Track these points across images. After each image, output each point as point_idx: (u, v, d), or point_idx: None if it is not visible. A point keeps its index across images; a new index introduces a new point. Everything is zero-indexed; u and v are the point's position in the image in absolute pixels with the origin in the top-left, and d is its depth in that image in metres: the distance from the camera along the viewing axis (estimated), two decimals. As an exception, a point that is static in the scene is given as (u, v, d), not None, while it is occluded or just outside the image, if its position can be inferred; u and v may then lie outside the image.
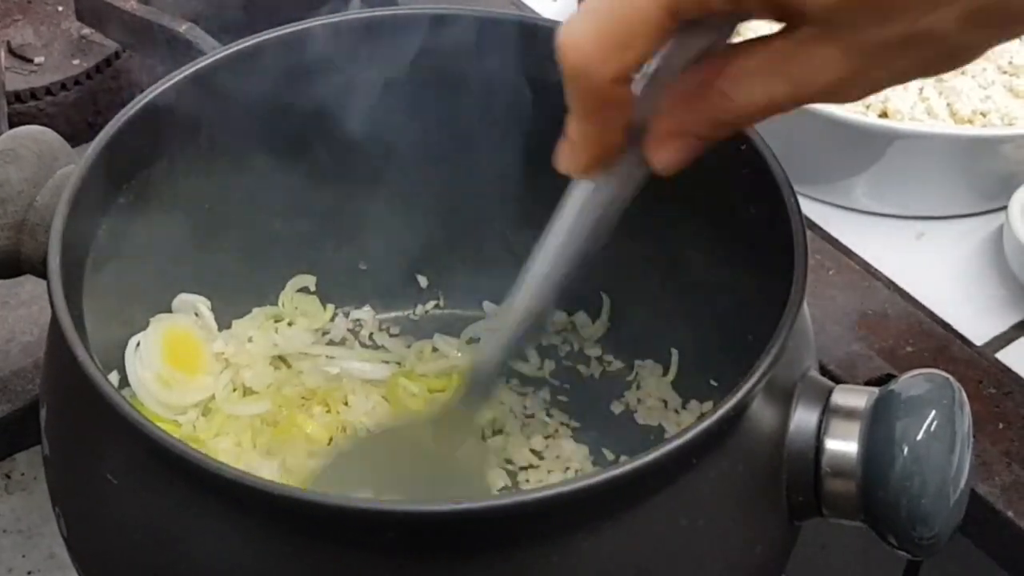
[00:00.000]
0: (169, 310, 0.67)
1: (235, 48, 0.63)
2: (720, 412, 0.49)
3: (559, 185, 0.67)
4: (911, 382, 0.53)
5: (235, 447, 0.64)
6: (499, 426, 0.67)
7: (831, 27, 0.41)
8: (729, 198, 0.60)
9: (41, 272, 0.58)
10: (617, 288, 0.71)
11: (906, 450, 0.51)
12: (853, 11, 0.40)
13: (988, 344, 0.74)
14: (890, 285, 0.77)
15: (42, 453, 0.57)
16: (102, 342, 0.54)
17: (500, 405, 0.68)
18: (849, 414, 0.53)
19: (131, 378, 0.63)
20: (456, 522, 0.47)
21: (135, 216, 0.62)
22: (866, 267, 0.78)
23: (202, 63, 0.62)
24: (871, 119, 0.79)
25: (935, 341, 0.73)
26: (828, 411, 0.53)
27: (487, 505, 0.47)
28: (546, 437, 0.67)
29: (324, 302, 0.72)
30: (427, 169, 0.69)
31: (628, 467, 0.47)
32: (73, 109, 0.92)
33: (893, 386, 0.53)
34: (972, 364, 0.72)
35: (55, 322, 0.53)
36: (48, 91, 0.91)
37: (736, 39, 0.45)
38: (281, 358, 0.69)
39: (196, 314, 0.67)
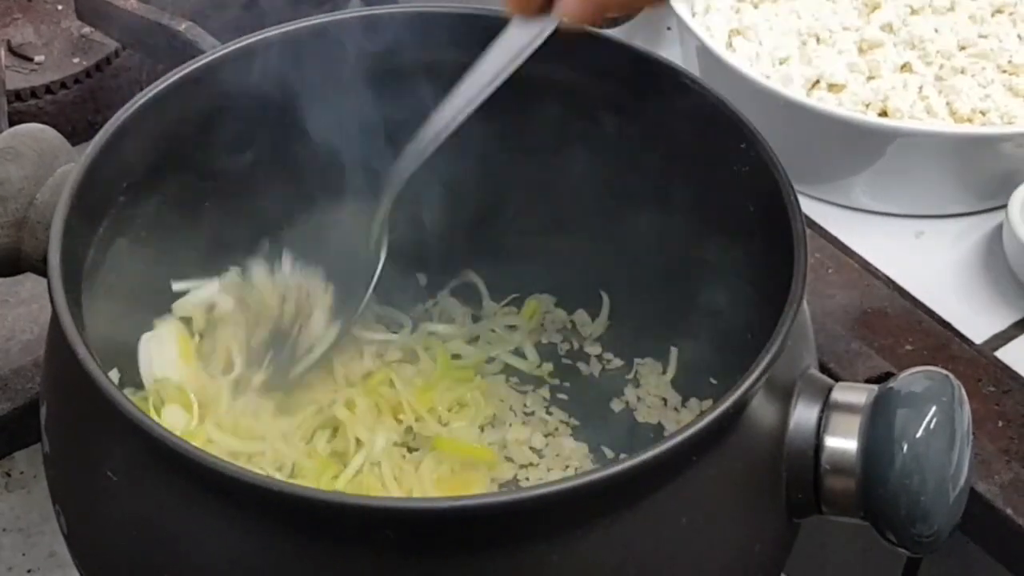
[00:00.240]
0: (169, 309, 0.67)
1: (235, 46, 0.63)
2: (720, 409, 0.49)
3: (558, 184, 0.68)
4: (911, 379, 0.53)
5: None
6: (499, 423, 0.67)
7: None
8: (729, 196, 0.60)
9: (41, 270, 0.58)
10: (617, 287, 0.71)
11: (906, 447, 0.51)
12: None
13: (987, 342, 0.74)
14: (889, 283, 0.77)
15: (42, 451, 0.57)
16: (102, 340, 0.54)
17: (500, 402, 0.68)
18: (849, 411, 0.53)
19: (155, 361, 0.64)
20: (455, 519, 0.46)
21: (135, 214, 0.62)
22: (865, 265, 0.78)
23: (202, 61, 0.62)
24: (871, 118, 0.79)
25: (934, 339, 0.73)
26: (828, 408, 0.53)
27: (487, 502, 0.47)
28: (546, 435, 0.67)
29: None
30: (426, 167, 0.69)
31: (628, 464, 0.47)
32: (73, 108, 0.92)
33: (893, 383, 0.53)
34: (971, 362, 0.72)
35: (55, 320, 0.53)
36: (48, 90, 0.92)
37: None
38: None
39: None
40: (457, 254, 0.72)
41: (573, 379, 0.71)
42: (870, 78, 0.83)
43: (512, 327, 0.72)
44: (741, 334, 0.60)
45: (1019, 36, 0.86)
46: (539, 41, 0.58)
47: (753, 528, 0.53)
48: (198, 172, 0.65)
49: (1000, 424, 0.69)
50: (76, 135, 0.67)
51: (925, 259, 0.79)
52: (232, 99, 0.64)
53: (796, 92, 0.80)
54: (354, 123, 0.66)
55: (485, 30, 0.63)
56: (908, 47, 0.85)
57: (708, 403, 0.67)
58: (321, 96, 0.65)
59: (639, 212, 0.66)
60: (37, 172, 0.60)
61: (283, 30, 0.64)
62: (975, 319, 0.75)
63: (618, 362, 0.71)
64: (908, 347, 0.73)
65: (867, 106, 0.81)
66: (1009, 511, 0.65)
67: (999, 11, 0.88)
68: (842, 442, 0.53)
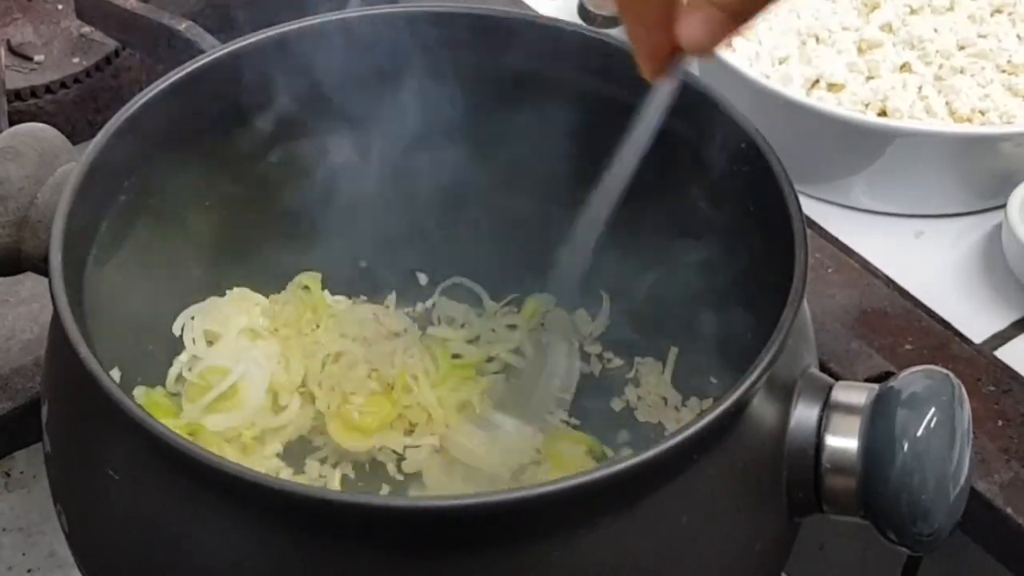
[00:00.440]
0: (170, 307, 0.67)
1: (235, 46, 0.63)
2: (721, 408, 0.49)
3: (558, 182, 0.68)
4: (911, 378, 0.53)
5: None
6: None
7: None
8: (729, 195, 0.60)
9: (42, 270, 0.58)
10: (617, 286, 0.71)
11: (906, 446, 0.51)
12: None
13: (987, 342, 0.74)
14: (889, 283, 0.77)
15: (43, 450, 0.57)
16: (103, 339, 0.54)
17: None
18: (849, 410, 0.53)
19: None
20: (457, 518, 0.47)
21: (136, 214, 0.62)
22: (865, 265, 0.78)
23: (202, 61, 0.63)
24: (870, 118, 0.79)
25: (934, 339, 0.74)
26: (828, 407, 0.53)
27: (488, 501, 0.47)
28: (546, 434, 0.67)
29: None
30: (427, 167, 0.69)
31: (629, 463, 0.47)
32: (73, 107, 0.92)
33: (893, 383, 0.53)
34: (971, 362, 0.72)
35: (56, 319, 0.53)
36: (48, 89, 0.92)
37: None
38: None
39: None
40: (457, 253, 0.72)
41: (573, 378, 0.71)
42: (869, 78, 0.83)
43: (512, 326, 0.72)
44: (741, 333, 0.60)
45: (1018, 36, 0.86)
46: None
47: (754, 527, 0.53)
48: (199, 171, 0.65)
49: (1000, 423, 0.69)
50: (76, 135, 0.67)
51: (925, 259, 0.79)
52: (232, 99, 0.64)
53: (795, 92, 0.80)
54: (357, 121, 0.66)
55: (488, 30, 0.64)
56: (907, 47, 0.85)
57: (708, 402, 0.67)
58: (322, 95, 0.65)
59: (639, 211, 0.66)
60: (38, 171, 0.60)
61: (284, 30, 0.64)
62: (975, 318, 0.75)
63: (618, 361, 0.71)
64: (908, 346, 0.73)
65: (866, 106, 0.81)
66: (1009, 510, 0.65)
67: (998, 11, 0.88)
68: (843, 441, 0.53)
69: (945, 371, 0.54)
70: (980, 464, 0.67)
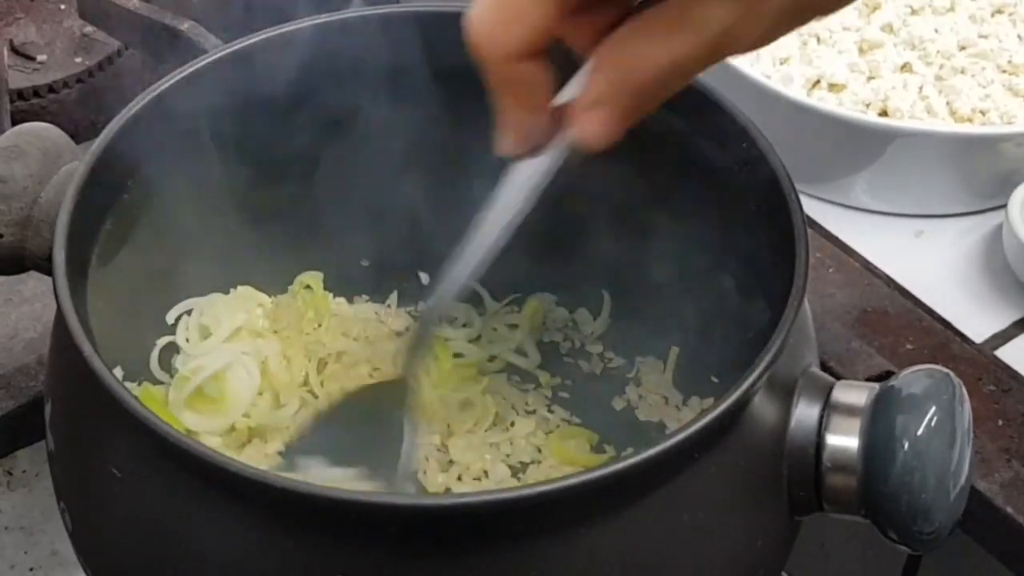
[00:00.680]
0: (171, 306, 0.67)
1: (237, 46, 0.64)
2: (722, 407, 0.49)
3: (558, 183, 0.68)
4: (911, 378, 0.53)
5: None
6: (501, 421, 0.68)
7: None
8: (730, 194, 0.60)
9: (46, 268, 0.58)
10: (618, 285, 0.71)
11: (907, 445, 0.51)
12: None
13: (987, 341, 0.74)
14: (890, 283, 0.77)
15: (47, 448, 0.57)
16: (106, 337, 0.54)
17: (502, 401, 0.68)
18: (850, 410, 0.53)
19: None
20: (458, 516, 0.47)
21: (139, 213, 0.62)
22: (866, 265, 0.78)
23: (204, 61, 0.63)
24: (871, 117, 0.79)
25: (935, 338, 0.74)
26: (829, 407, 0.53)
27: (489, 499, 0.47)
28: (547, 433, 0.68)
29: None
30: (429, 166, 0.69)
31: (630, 461, 0.47)
32: (75, 107, 0.93)
33: (893, 382, 0.53)
34: (972, 361, 0.72)
35: (60, 318, 0.53)
36: (51, 89, 0.92)
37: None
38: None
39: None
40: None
41: (575, 377, 0.71)
42: (870, 78, 0.83)
43: (513, 326, 0.72)
44: (742, 332, 0.60)
45: (1019, 36, 0.86)
46: (549, 176, 0.49)
47: (755, 525, 0.53)
48: (202, 170, 0.65)
49: (1000, 423, 0.69)
50: (78, 134, 0.67)
51: (925, 258, 0.79)
52: (234, 99, 0.64)
53: (797, 92, 0.81)
54: (358, 121, 0.66)
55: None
56: (908, 47, 0.85)
57: (709, 401, 0.67)
58: (324, 95, 0.65)
59: (639, 211, 0.67)
60: (41, 170, 0.60)
61: (286, 29, 0.64)
62: (975, 318, 0.75)
63: (619, 360, 0.71)
64: (908, 346, 0.73)
65: (867, 106, 0.81)
66: (1009, 510, 0.66)
67: (999, 11, 0.88)
68: (843, 440, 0.53)
69: (945, 370, 0.54)
70: (980, 464, 0.67)
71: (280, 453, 0.65)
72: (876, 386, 0.54)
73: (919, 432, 0.51)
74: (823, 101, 0.81)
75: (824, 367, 0.66)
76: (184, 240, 0.66)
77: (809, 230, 0.56)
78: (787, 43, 0.85)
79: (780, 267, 0.55)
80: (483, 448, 0.66)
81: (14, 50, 0.93)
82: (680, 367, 0.69)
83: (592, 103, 0.44)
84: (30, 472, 0.78)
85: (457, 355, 0.70)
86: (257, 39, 0.64)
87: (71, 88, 0.92)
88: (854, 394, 0.54)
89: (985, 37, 0.85)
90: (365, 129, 0.67)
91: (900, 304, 0.76)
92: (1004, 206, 0.77)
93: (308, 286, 0.71)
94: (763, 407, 0.52)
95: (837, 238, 0.80)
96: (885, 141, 0.78)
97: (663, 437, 0.48)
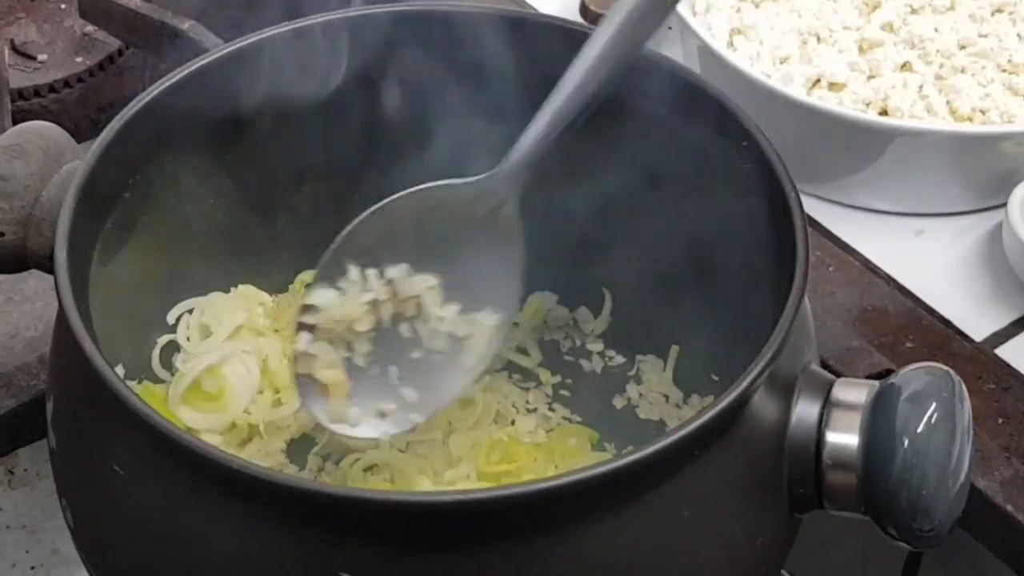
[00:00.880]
0: (173, 306, 0.67)
1: (238, 45, 0.64)
2: (722, 404, 0.49)
3: (559, 182, 0.68)
4: (911, 375, 0.53)
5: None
6: (501, 419, 0.68)
7: None
8: (731, 193, 0.61)
9: (47, 267, 0.59)
10: (618, 284, 0.71)
11: (907, 442, 0.51)
12: None
13: (987, 340, 0.74)
14: (890, 281, 0.77)
15: (48, 446, 0.57)
16: (108, 336, 0.54)
17: (503, 399, 0.69)
18: (850, 407, 0.53)
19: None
20: (459, 513, 0.47)
21: (140, 211, 0.62)
22: (866, 263, 0.78)
23: (205, 60, 0.63)
24: (871, 116, 0.79)
25: (935, 337, 0.74)
26: (829, 404, 0.53)
27: (490, 496, 0.47)
28: (548, 431, 0.68)
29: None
30: (429, 165, 0.69)
31: (631, 459, 0.47)
32: (76, 106, 0.93)
33: (893, 379, 0.54)
34: (971, 360, 0.72)
35: (62, 316, 0.53)
36: (51, 88, 0.92)
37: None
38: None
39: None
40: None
41: (575, 376, 0.71)
42: (870, 77, 0.83)
43: (514, 324, 0.72)
44: (743, 331, 0.60)
45: (1019, 35, 0.86)
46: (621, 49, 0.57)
47: (755, 523, 0.53)
48: (203, 169, 0.65)
49: (1000, 421, 0.69)
50: (79, 134, 0.67)
51: (925, 257, 0.79)
52: (235, 98, 0.64)
53: (797, 91, 0.81)
54: (359, 120, 0.66)
55: (491, 30, 0.64)
56: (908, 46, 0.85)
57: (710, 400, 0.67)
58: (326, 94, 0.65)
59: (640, 209, 0.67)
60: (43, 169, 0.60)
61: (287, 28, 0.64)
62: (975, 317, 0.75)
63: (620, 359, 0.71)
64: (908, 344, 0.73)
65: (867, 105, 0.81)
66: (1009, 507, 0.66)
67: (999, 10, 0.88)
68: (843, 437, 0.53)
69: (945, 368, 0.54)
70: (980, 461, 0.67)
71: (282, 451, 0.66)
72: (876, 383, 0.54)
73: (919, 429, 0.51)
74: (823, 100, 0.81)
75: (824, 366, 0.66)
76: (185, 239, 0.66)
77: (809, 229, 0.56)
78: (787, 42, 0.85)
79: (780, 266, 0.55)
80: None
81: (15, 50, 0.93)
82: (681, 365, 0.69)
83: None
84: (31, 471, 0.78)
85: (458, 353, 0.70)
86: (258, 38, 0.64)
87: (72, 88, 0.92)
88: (854, 391, 0.54)
89: (985, 36, 0.85)
90: (366, 128, 0.67)
91: (900, 303, 0.76)
92: (1004, 205, 0.77)
93: (309, 285, 0.71)
94: (763, 404, 0.52)
95: (837, 237, 0.80)
96: (885, 140, 0.78)
97: (664, 434, 0.48)
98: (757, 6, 0.88)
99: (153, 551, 0.50)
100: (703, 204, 0.63)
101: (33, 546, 0.77)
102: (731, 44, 0.85)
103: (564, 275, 0.71)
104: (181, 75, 0.62)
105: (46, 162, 0.60)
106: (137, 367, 0.66)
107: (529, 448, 0.66)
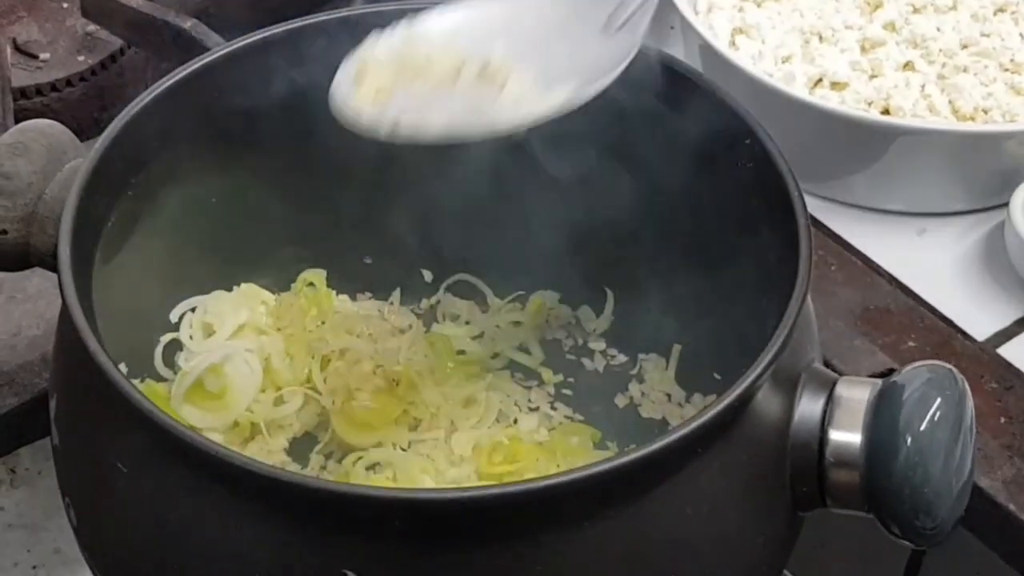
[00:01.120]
0: (176, 303, 0.68)
1: (240, 44, 0.64)
2: (725, 402, 0.49)
3: (562, 181, 0.68)
4: (914, 373, 0.53)
5: None
6: (504, 418, 0.68)
7: None
8: (733, 191, 0.61)
9: (50, 265, 0.59)
10: (621, 283, 0.71)
11: (909, 440, 0.51)
12: None
13: (990, 339, 0.74)
14: (892, 281, 0.77)
15: (51, 443, 0.57)
16: (110, 334, 0.54)
17: (505, 398, 0.69)
18: (853, 405, 0.53)
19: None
20: (463, 510, 0.47)
21: (143, 210, 0.62)
22: (868, 263, 0.78)
23: (207, 59, 0.63)
24: (874, 116, 0.79)
25: (937, 336, 0.74)
26: (832, 402, 0.53)
27: (493, 493, 0.47)
28: (550, 430, 0.68)
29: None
30: (430, 165, 0.69)
31: (634, 456, 0.47)
32: (79, 105, 0.93)
33: (896, 378, 0.54)
34: (974, 359, 0.72)
35: (65, 313, 0.53)
36: (54, 87, 0.92)
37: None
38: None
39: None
40: (462, 251, 0.72)
41: (577, 375, 0.71)
42: (873, 76, 0.83)
43: (517, 323, 0.72)
44: (745, 330, 0.60)
45: (1021, 35, 0.86)
46: None
47: (757, 520, 0.53)
48: (206, 167, 0.65)
49: (1002, 420, 0.69)
50: (82, 133, 0.67)
51: (928, 256, 0.79)
52: (237, 97, 0.64)
53: (799, 90, 0.81)
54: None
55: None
56: (910, 46, 0.85)
57: (712, 399, 0.67)
58: (326, 93, 0.65)
59: (643, 208, 0.67)
60: (46, 167, 0.60)
61: (290, 27, 0.64)
62: (977, 316, 0.75)
63: (622, 358, 0.71)
64: (911, 344, 0.73)
65: (870, 104, 0.81)
66: (1012, 507, 0.66)
67: (1001, 10, 0.88)
68: (846, 435, 0.53)
69: (948, 366, 0.54)
70: (983, 461, 0.67)
71: (285, 450, 0.66)
72: (879, 382, 0.54)
73: (922, 427, 0.51)
74: (825, 99, 0.81)
75: (827, 365, 0.66)
76: (187, 237, 0.66)
77: (811, 228, 0.56)
78: (789, 41, 0.85)
79: (784, 265, 0.55)
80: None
81: (17, 48, 0.93)
82: (683, 364, 0.69)
83: None
84: (33, 470, 0.78)
85: (460, 352, 0.70)
86: (260, 37, 0.64)
87: (74, 86, 0.92)
88: (857, 390, 0.54)
89: (987, 36, 0.85)
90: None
91: (902, 302, 0.76)
92: (1006, 204, 0.77)
93: (311, 283, 0.71)
94: (766, 403, 0.52)
95: (839, 236, 0.80)
96: (887, 140, 0.78)
97: (666, 432, 0.48)
98: (759, 5, 0.88)
99: (156, 548, 0.50)
100: (706, 203, 0.63)
101: (35, 545, 0.77)
102: (733, 43, 0.85)
103: (566, 274, 0.71)
104: (183, 74, 0.62)
105: (49, 160, 0.60)
106: (140, 365, 0.66)
107: (531, 448, 0.66)
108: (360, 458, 0.65)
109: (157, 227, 0.63)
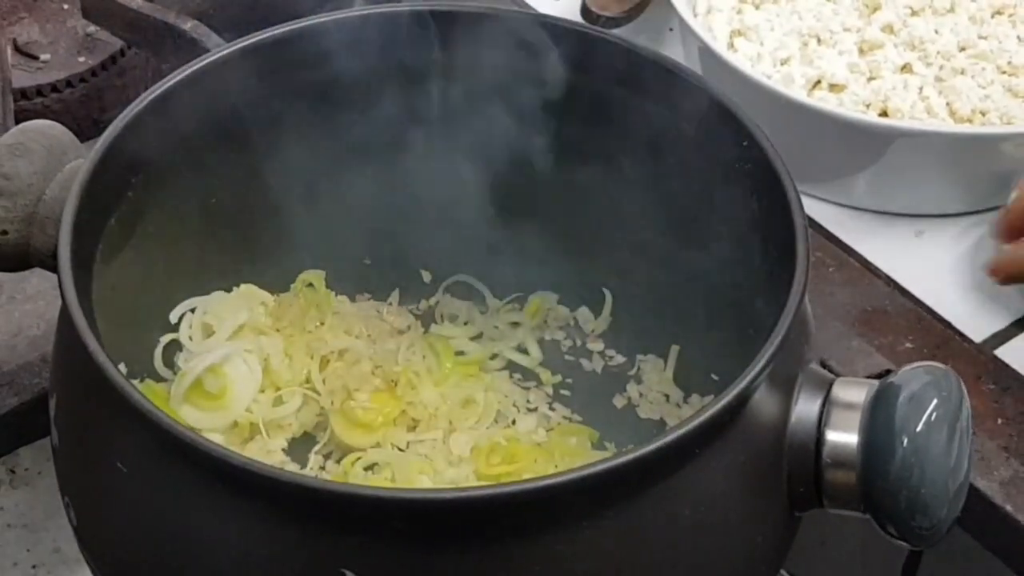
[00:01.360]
0: (176, 303, 0.68)
1: (240, 44, 0.64)
2: (722, 403, 0.49)
3: (560, 182, 0.68)
4: (911, 374, 0.54)
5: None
6: (502, 418, 0.68)
7: None
8: (731, 193, 0.61)
9: (50, 265, 0.59)
10: (619, 283, 0.71)
11: (906, 441, 0.51)
12: None
13: (987, 341, 0.74)
14: (890, 282, 0.77)
15: (51, 443, 0.57)
16: (110, 334, 0.54)
17: (504, 398, 0.69)
18: (850, 405, 0.53)
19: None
20: (462, 510, 0.47)
21: (143, 210, 0.62)
22: (866, 264, 0.78)
23: (208, 60, 0.63)
24: (871, 118, 0.80)
25: (934, 337, 0.74)
26: (829, 403, 0.54)
27: (491, 493, 0.47)
28: (548, 430, 0.68)
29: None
30: (431, 165, 0.69)
31: (632, 456, 0.47)
32: (79, 106, 0.93)
33: (893, 378, 0.54)
34: (971, 360, 0.72)
35: (65, 313, 0.53)
36: (54, 88, 0.92)
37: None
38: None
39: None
40: (460, 251, 0.72)
41: (576, 375, 0.71)
42: (871, 79, 0.83)
43: (515, 324, 0.72)
44: (743, 331, 0.60)
45: (1019, 37, 0.86)
46: None
47: (755, 521, 0.53)
48: (206, 168, 0.65)
49: (999, 422, 0.69)
50: (82, 134, 0.67)
51: (925, 258, 0.79)
52: (237, 97, 0.64)
53: (797, 92, 0.81)
54: (361, 120, 0.66)
55: (489, 29, 0.64)
56: (908, 48, 0.85)
57: (710, 399, 0.67)
58: (327, 94, 0.65)
59: (642, 210, 0.67)
60: (46, 168, 0.60)
61: (290, 28, 0.64)
62: (975, 317, 0.75)
63: (620, 358, 0.71)
64: (908, 345, 0.73)
65: (868, 106, 0.81)
66: (1008, 508, 0.66)
67: (999, 12, 0.88)
68: (843, 436, 0.53)
69: (945, 367, 0.54)
70: (980, 462, 0.67)
71: (283, 450, 0.66)
72: (876, 382, 0.54)
73: (918, 428, 0.52)
74: (824, 101, 0.81)
75: (824, 366, 0.66)
76: (187, 238, 0.66)
77: (809, 229, 0.56)
78: (788, 43, 0.85)
79: (781, 266, 0.55)
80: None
81: (17, 49, 0.93)
82: (681, 365, 0.69)
83: None
84: (32, 470, 0.78)
85: (459, 353, 0.71)
86: (260, 38, 0.64)
87: (75, 87, 0.92)
88: (854, 390, 0.54)
89: (985, 38, 0.86)
90: (367, 127, 0.68)
91: (900, 303, 0.76)
92: (1003, 206, 0.77)
93: (310, 284, 0.71)
94: (763, 403, 0.52)
95: (837, 238, 0.80)
96: (885, 141, 0.78)
97: (664, 433, 0.48)
98: (758, 7, 0.88)
99: (155, 548, 0.50)
100: (703, 204, 0.64)
101: (34, 545, 0.77)
102: (732, 45, 0.86)
103: (564, 275, 0.72)
104: (183, 75, 0.62)
105: (49, 161, 0.60)
106: (139, 365, 0.66)
107: (529, 448, 0.66)
108: (359, 458, 0.65)
109: (157, 227, 0.63)
